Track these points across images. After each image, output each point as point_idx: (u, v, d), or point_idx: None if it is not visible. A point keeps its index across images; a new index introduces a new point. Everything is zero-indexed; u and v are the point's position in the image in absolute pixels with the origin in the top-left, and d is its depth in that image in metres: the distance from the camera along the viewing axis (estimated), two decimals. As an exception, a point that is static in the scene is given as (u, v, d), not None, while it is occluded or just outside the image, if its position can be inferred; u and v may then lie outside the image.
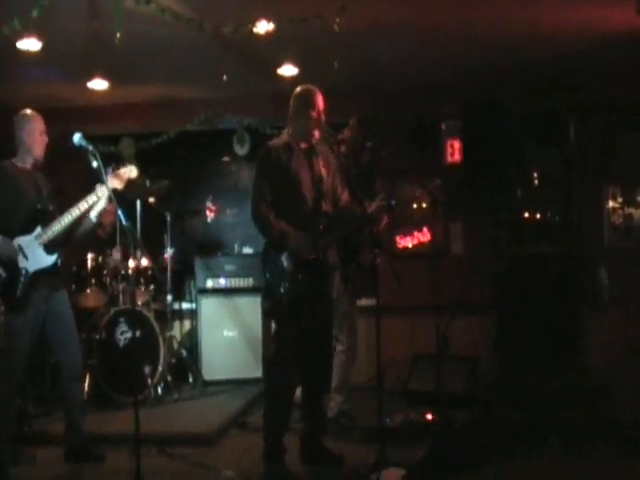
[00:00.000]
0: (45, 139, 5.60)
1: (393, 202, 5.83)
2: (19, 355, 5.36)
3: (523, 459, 5.33)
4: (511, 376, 7.09)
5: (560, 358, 7.21)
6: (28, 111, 5.64)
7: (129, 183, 5.55)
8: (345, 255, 5.71)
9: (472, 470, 5.10)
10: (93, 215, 5.51)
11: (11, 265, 5.31)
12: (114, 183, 5.42)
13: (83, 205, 5.39)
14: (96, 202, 5.42)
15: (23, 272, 5.32)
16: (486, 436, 5.71)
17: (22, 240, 5.35)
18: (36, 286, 5.36)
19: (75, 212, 5.39)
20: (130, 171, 5.56)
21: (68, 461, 5.62)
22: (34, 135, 5.53)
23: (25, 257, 5.34)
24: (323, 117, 5.23)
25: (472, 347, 7.50)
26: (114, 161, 5.73)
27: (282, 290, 5.03)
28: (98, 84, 8.09)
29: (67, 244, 5.72)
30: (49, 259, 5.43)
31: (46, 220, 5.42)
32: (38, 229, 5.39)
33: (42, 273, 5.40)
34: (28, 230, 5.38)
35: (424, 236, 8.67)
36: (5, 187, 5.43)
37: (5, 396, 5.37)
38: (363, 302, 6.50)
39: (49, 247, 5.43)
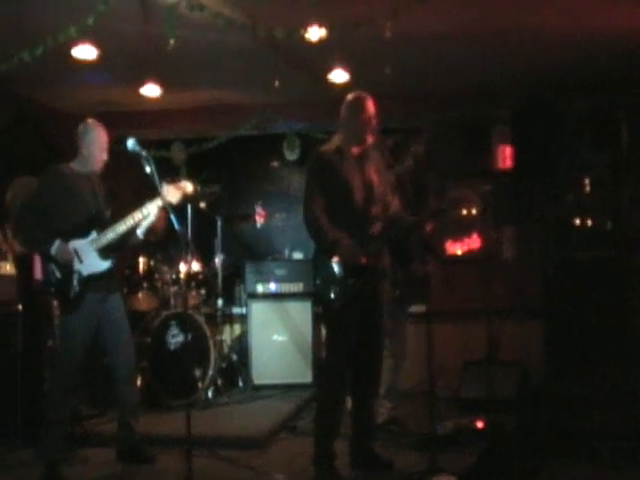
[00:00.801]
0: (104, 156, 5.62)
1: (444, 206, 5.81)
2: (73, 357, 5.45)
3: (574, 466, 5.27)
4: (562, 382, 7.02)
5: (611, 364, 7.12)
6: (91, 123, 5.66)
7: (184, 198, 5.59)
8: (396, 261, 5.70)
9: (524, 477, 5.06)
10: (140, 232, 5.61)
11: (66, 267, 5.41)
12: (169, 197, 5.45)
13: (137, 216, 5.47)
14: (146, 217, 5.49)
15: (77, 274, 5.41)
16: (537, 443, 5.65)
17: (77, 244, 5.44)
18: (90, 289, 5.44)
19: (130, 221, 5.47)
20: (185, 187, 5.60)
21: (120, 461, 5.69)
22: (92, 148, 5.57)
23: (80, 260, 5.43)
24: (374, 122, 5.23)
25: (523, 353, 7.44)
26: (166, 167, 5.79)
27: (332, 295, 5.03)
28: (150, 90, 8.16)
29: (120, 251, 5.79)
30: (103, 264, 5.52)
31: (101, 225, 5.51)
32: (93, 234, 5.47)
33: (96, 277, 5.48)
34: (83, 234, 5.47)
35: (473, 242, 8.61)
36: (62, 190, 5.50)
37: (59, 397, 5.46)
38: (413, 309, 6.46)
39: (103, 253, 5.51)
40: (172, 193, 5.48)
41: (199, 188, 7.59)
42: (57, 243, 5.36)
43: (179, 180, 5.60)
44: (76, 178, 5.57)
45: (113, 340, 5.63)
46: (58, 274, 5.42)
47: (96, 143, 5.57)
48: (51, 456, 5.38)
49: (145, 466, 5.61)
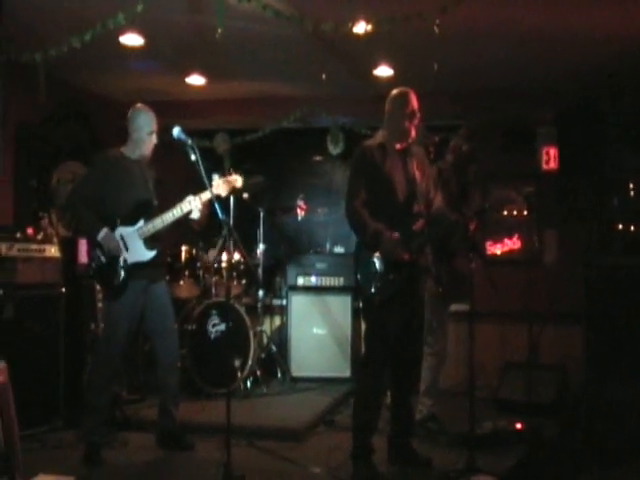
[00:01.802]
0: (153, 139, 5.65)
1: (487, 205, 5.77)
2: (116, 342, 5.50)
3: (612, 473, 5.22)
4: (602, 388, 6.94)
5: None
6: (140, 106, 5.70)
7: (233, 191, 5.62)
8: (439, 258, 5.67)
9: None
10: (195, 216, 5.62)
11: (112, 255, 5.45)
12: (219, 189, 5.52)
13: (186, 206, 5.49)
14: (194, 208, 5.53)
15: (122, 262, 5.45)
16: (576, 447, 5.60)
17: (124, 231, 5.48)
18: (134, 277, 5.48)
19: (177, 212, 5.50)
20: (236, 181, 5.64)
21: (160, 447, 5.73)
22: (141, 132, 5.60)
23: (126, 247, 5.47)
24: (418, 119, 5.21)
25: (563, 357, 7.38)
26: (210, 157, 5.80)
27: (373, 290, 5.03)
28: (196, 79, 8.22)
29: (166, 241, 5.82)
30: (148, 254, 5.54)
31: (149, 214, 5.53)
32: (141, 222, 5.50)
33: (141, 266, 5.51)
34: (131, 221, 5.50)
35: (514, 244, 8.54)
36: (111, 175, 5.53)
37: (101, 381, 5.53)
38: (454, 307, 6.42)
39: (149, 242, 5.53)
40: (221, 186, 5.52)
41: (242, 176, 7.63)
42: (104, 231, 5.41)
43: (229, 173, 5.59)
44: (126, 163, 5.60)
45: (158, 327, 5.67)
46: (104, 260, 5.47)
47: (146, 127, 5.59)
48: (92, 439, 5.45)
49: (184, 453, 5.63)
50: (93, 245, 5.51)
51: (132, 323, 5.56)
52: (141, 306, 5.57)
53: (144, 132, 5.59)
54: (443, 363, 6.30)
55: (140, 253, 5.51)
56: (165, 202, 5.68)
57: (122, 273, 5.44)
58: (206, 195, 5.47)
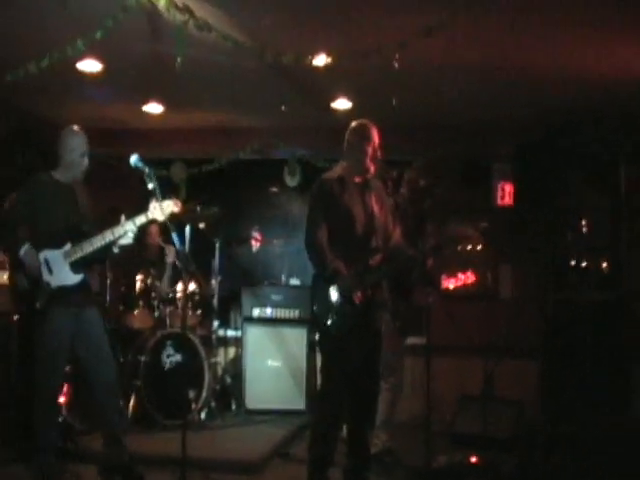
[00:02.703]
0: (85, 161, 5.53)
1: (443, 242, 5.78)
2: (51, 368, 5.34)
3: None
4: (557, 421, 6.98)
5: (607, 405, 7.09)
6: (73, 128, 5.60)
7: (171, 217, 5.38)
8: (397, 293, 5.67)
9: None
10: (115, 249, 5.49)
11: (34, 277, 5.27)
12: (155, 214, 5.33)
13: (118, 231, 5.34)
14: (127, 232, 5.37)
15: (45, 285, 5.27)
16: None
17: (49, 254, 5.31)
18: (60, 303, 5.30)
19: (109, 236, 5.34)
20: (171, 205, 5.39)
21: (102, 478, 5.54)
22: (73, 154, 5.49)
23: (50, 271, 5.30)
24: (378, 152, 5.22)
25: (518, 391, 7.40)
26: (166, 187, 5.71)
27: (329, 322, 4.99)
28: (153, 108, 8.19)
29: (93, 267, 5.68)
30: (74, 278, 5.37)
31: (78, 237, 5.37)
32: (67, 245, 5.34)
33: (67, 290, 5.34)
34: (57, 245, 5.34)
35: (468, 278, 8.59)
36: (37, 198, 5.39)
37: (45, 415, 5.38)
38: (410, 340, 6.43)
39: (75, 266, 5.36)
40: (158, 210, 5.31)
41: (198, 209, 7.58)
42: (26, 246, 5.23)
43: (168, 198, 5.39)
44: (57, 187, 5.48)
45: (91, 357, 5.47)
46: (25, 283, 5.28)
47: (78, 149, 5.49)
48: (43, 473, 5.32)
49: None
50: (14, 267, 5.34)
51: (63, 351, 5.36)
52: (72, 335, 5.37)
53: (76, 154, 5.47)
54: (399, 397, 6.29)
55: (65, 276, 5.33)
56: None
57: (45, 297, 5.25)
58: (141, 219, 5.32)
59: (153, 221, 5.42)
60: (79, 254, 5.34)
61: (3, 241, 5.60)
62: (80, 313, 5.43)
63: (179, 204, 5.47)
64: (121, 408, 5.74)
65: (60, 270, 5.33)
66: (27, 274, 5.27)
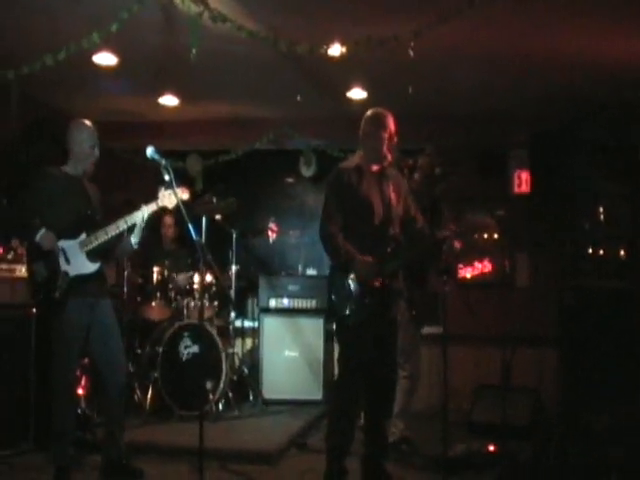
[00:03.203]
0: (95, 153, 5.52)
1: (461, 230, 5.75)
2: (68, 358, 5.35)
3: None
4: (574, 410, 6.95)
5: (624, 393, 7.05)
6: (82, 121, 5.59)
7: (179, 205, 5.37)
8: (412, 281, 5.66)
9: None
10: (134, 242, 5.52)
11: (52, 266, 5.29)
12: (165, 202, 5.38)
13: (130, 219, 5.37)
14: (139, 220, 5.40)
15: (63, 275, 5.29)
16: (549, 470, 5.60)
17: (65, 244, 5.32)
18: (77, 293, 5.32)
19: (122, 225, 5.36)
20: (182, 192, 5.41)
21: (104, 475, 5.50)
22: (83, 146, 5.48)
23: (67, 260, 5.31)
24: (395, 140, 5.21)
25: (535, 379, 7.39)
26: (182, 178, 5.71)
27: (347, 312, 4.99)
28: (169, 100, 8.20)
29: (109, 256, 5.70)
30: (91, 267, 5.39)
31: (92, 227, 5.38)
32: (83, 235, 5.35)
33: (84, 280, 5.36)
34: (73, 235, 5.35)
35: (484, 267, 8.57)
36: (51, 191, 5.40)
37: (63, 406, 5.38)
38: (426, 330, 6.42)
39: (92, 255, 5.39)
40: (167, 198, 5.37)
41: (214, 200, 7.58)
42: (42, 231, 5.22)
43: (176, 187, 5.36)
44: (67, 180, 5.48)
45: (102, 347, 5.46)
46: (44, 272, 5.29)
47: (88, 141, 5.47)
48: (61, 463, 5.33)
49: (153, 476, 5.52)
50: (32, 258, 5.36)
51: (80, 339, 5.37)
52: (87, 325, 5.39)
53: (86, 146, 5.46)
54: (416, 386, 6.29)
55: (82, 266, 5.35)
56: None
57: (63, 286, 5.27)
58: (152, 207, 5.36)
59: (164, 209, 5.42)
60: (94, 243, 5.35)
61: (17, 231, 5.61)
62: (96, 304, 5.44)
63: (187, 191, 5.48)
64: (123, 407, 5.71)
65: (77, 259, 5.34)
66: (45, 262, 5.28)
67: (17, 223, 5.45)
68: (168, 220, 8.19)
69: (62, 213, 5.38)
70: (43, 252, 5.29)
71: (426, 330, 6.38)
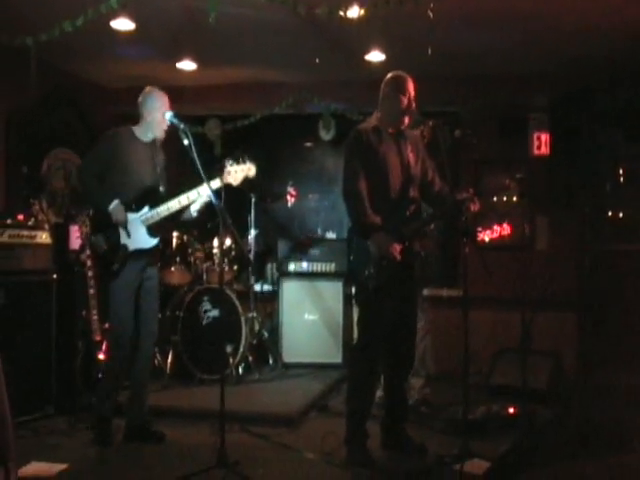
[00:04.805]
0: (167, 120, 5.46)
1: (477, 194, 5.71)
2: (124, 324, 5.45)
3: (606, 458, 5.22)
4: (595, 374, 6.96)
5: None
6: (154, 89, 5.59)
7: (245, 181, 5.45)
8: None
9: (554, 466, 5.02)
10: (194, 210, 5.55)
11: (113, 239, 5.40)
12: (228, 179, 5.35)
13: (192, 195, 5.38)
14: (201, 196, 5.41)
15: (123, 249, 5.40)
16: (568, 433, 5.62)
17: (129, 217, 5.39)
18: (133, 262, 5.42)
19: (184, 201, 5.40)
20: (249, 169, 5.44)
21: (128, 440, 5.57)
22: (156, 114, 5.46)
23: (128, 234, 5.40)
24: (413, 103, 5.17)
25: (555, 342, 7.38)
26: (201, 143, 5.69)
27: (366, 274, 4.99)
28: (187, 65, 8.17)
29: (169, 228, 5.74)
30: (150, 241, 5.49)
31: (155, 201, 5.44)
32: (145, 209, 5.43)
33: (141, 252, 5.45)
34: (136, 208, 5.42)
35: (503, 230, 8.53)
36: (120, 153, 5.42)
37: (116, 366, 5.52)
38: (446, 292, 6.41)
39: (152, 230, 5.47)
40: (232, 175, 5.35)
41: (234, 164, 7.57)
42: (116, 202, 5.31)
43: (244, 162, 5.43)
44: (137, 144, 5.51)
45: (144, 310, 5.56)
46: (104, 245, 5.42)
47: (161, 108, 5.47)
48: (105, 413, 5.49)
49: (176, 438, 5.59)
50: (93, 229, 5.49)
51: (132, 304, 5.48)
52: (137, 288, 5.50)
53: (159, 113, 5.44)
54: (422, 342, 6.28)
55: (142, 240, 5.45)
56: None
57: (121, 260, 5.38)
58: (215, 183, 5.29)
59: (228, 185, 5.37)
60: (156, 218, 5.43)
61: (91, 195, 5.59)
62: (145, 268, 5.53)
63: (253, 169, 5.46)
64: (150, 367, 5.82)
65: (138, 233, 5.45)
66: (105, 235, 5.42)
67: (95, 194, 5.48)
68: None
69: (128, 183, 5.43)
70: (103, 225, 5.41)
71: (446, 292, 6.39)
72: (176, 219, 5.67)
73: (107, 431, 5.49)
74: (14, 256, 6.06)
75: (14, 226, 6.12)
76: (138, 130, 5.55)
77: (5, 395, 4.03)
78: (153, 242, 5.50)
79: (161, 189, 5.55)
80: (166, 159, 5.74)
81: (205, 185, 5.26)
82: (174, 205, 5.41)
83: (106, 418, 5.50)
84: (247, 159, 5.44)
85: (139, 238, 5.44)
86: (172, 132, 5.41)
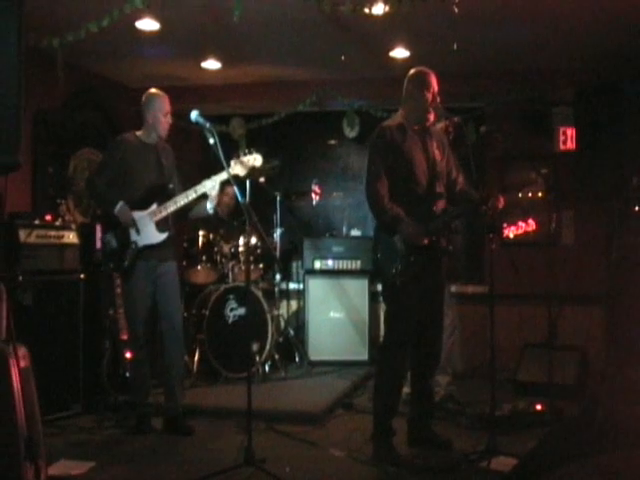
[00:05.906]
0: (169, 120, 5.73)
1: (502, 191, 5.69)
2: (138, 321, 5.60)
3: (634, 454, 5.18)
4: (622, 368, 6.91)
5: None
6: (154, 91, 5.79)
7: (252, 171, 5.58)
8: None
9: (582, 463, 4.98)
10: (209, 207, 5.67)
11: (123, 236, 5.54)
12: (236, 169, 5.46)
13: (200, 189, 5.52)
14: (209, 190, 5.53)
15: (133, 245, 5.54)
16: (597, 428, 5.57)
17: (136, 215, 5.54)
18: (144, 259, 5.57)
19: (191, 194, 5.53)
20: (254, 159, 5.53)
21: (167, 431, 5.74)
22: (157, 115, 5.67)
23: (137, 231, 5.54)
24: (438, 100, 5.16)
25: (582, 337, 7.34)
26: (225, 142, 5.77)
27: (394, 271, 4.98)
28: (212, 64, 8.19)
29: (178, 223, 5.84)
30: (159, 237, 5.61)
31: (163, 198, 5.59)
32: (154, 206, 5.57)
33: (151, 248, 5.59)
34: (144, 205, 5.57)
35: (529, 226, 8.48)
36: (126, 159, 5.62)
37: (137, 360, 5.68)
38: (471, 289, 6.40)
39: (161, 225, 5.60)
40: (238, 167, 5.47)
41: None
42: (120, 204, 5.49)
43: (248, 153, 5.53)
44: (141, 147, 5.69)
45: (162, 307, 5.70)
46: (114, 244, 5.56)
47: (160, 110, 5.67)
48: (141, 412, 5.69)
49: (204, 436, 5.65)
50: (105, 229, 5.63)
51: (148, 300, 5.64)
52: (153, 284, 5.63)
53: (160, 113, 5.67)
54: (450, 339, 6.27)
55: (151, 236, 5.59)
56: (183, 187, 5.72)
57: (131, 256, 5.54)
58: (222, 176, 5.46)
59: (235, 177, 5.44)
60: (164, 213, 5.58)
61: (98, 201, 5.90)
62: (159, 264, 5.66)
63: (259, 158, 5.55)
64: (183, 362, 5.91)
65: (147, 230, 5.58)
66: (116, 234, 5.57)
67: (98, 194, 5.69)
68: (230, 190, 8.14)
69: (136, 184, 5.63)
70: (114, 224, 5.55)
71: (471, 289, 6.37)
72: (186, 214, 5.82)
73: (146, 421, 5.70)
74: (42, 256, 6.13)
75: (41, 226, 6.19)
76: (142, 133, 5.76)
77: (35, 394, 4.07)
78: (162, 237, 5.62)
79: (170, 186, 5.70)
80: (176, 157, 5.92)
81: (212, 179, 5.50)
82: (181, 199, 5.56)
83: (143, 415, 5.70)
84: (254, 151, 5.54)
85: (148, 234, 5.58)
86: (195, 132, 5.45)
